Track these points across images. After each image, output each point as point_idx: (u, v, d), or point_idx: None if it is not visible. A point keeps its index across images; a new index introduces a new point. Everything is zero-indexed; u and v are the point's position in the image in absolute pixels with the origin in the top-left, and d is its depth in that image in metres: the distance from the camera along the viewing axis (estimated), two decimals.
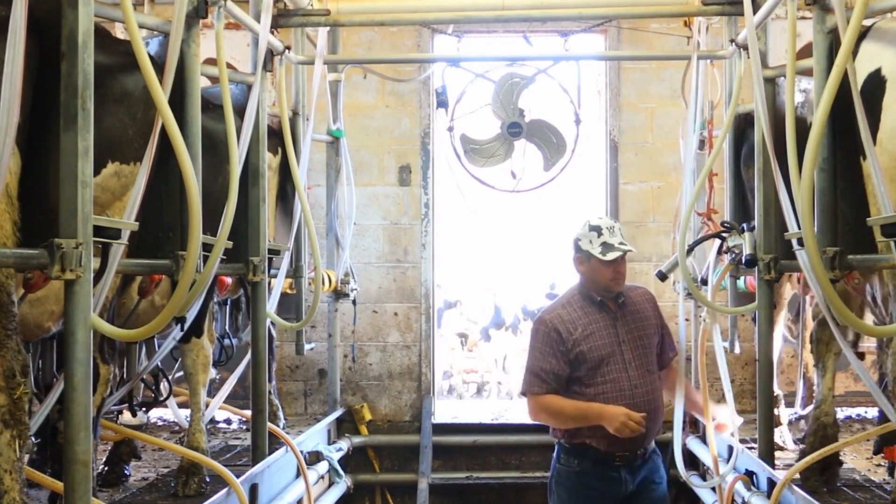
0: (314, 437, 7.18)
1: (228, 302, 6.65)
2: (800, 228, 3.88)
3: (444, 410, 9.01)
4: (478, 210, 9.85)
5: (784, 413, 6.31)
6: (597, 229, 4.53)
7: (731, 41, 5.86)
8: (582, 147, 8.00)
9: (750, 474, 5.36)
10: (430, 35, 8.18)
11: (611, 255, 4.47)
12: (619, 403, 4.39)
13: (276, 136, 6.19)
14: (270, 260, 5.79)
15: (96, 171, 3.64)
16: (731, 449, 5.79)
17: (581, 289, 4.63)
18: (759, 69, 4.82)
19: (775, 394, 5.93)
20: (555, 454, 4.65)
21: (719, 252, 5.74)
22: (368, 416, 8.33)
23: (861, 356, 5.49)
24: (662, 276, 6.16)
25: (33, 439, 3.84)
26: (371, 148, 8.41)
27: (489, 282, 12.48)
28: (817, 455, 4.82)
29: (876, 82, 3.66)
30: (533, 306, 12.08)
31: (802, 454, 5.09)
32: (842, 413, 7.86)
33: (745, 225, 5.34)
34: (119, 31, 5.64)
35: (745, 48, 5.42)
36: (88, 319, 3.19)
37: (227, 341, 6.52)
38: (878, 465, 5.67)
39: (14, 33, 2.86)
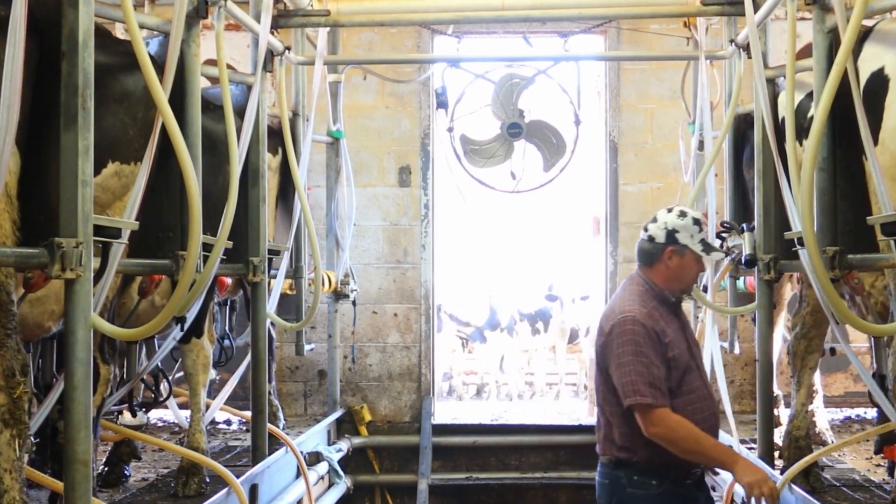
0: (314, 437, 7.18)
1: (228, 302, 6.64)
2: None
3: (444, 411, 9.02)
4: (476, 211, 9.87)
5: (784, 413, 6.31)
6: (698, 223, 4.06)
7: (731, 41, 5.86)
8: (582, 148, 8.01)
9: None
10: (430, 36, 8.19)
11: (715, 256, 4.11)
12: (705, 413, 4.00)
13: (276, 136, 6.19)
14: (270, 260, 5.79)
15: (97, 171, 3.64)
16: None
17: (653, 287, 4.08)
18: (760, 69, 4.82)
19: (775, 394, 5.94)
20: (621, 475, 4.01)
21: None
22: (368, 417, 8.33)
23: (832, 352, 5.55)
24: None
25: (32, 439, 3.83)
26: (371, 149, 8.41)
27: (485, 283, 12.47)
28: (815, 455, 4.85)
29: (879, 82, 3.67)
30: (529, 308, 12.07)
31: (783, 469, 5.16)
32: (841, 414, 7.88)
33: (744, 225, 5.34)
34: (119, 32, 5.64)
35: (745, 48, 5.43)
36: (89, 319, 3.19)
37: (226, 342, 6.51)
38: (878, 465, 5.68)
39: (14, 32, 2.86)
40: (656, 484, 3.97)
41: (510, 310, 12.01)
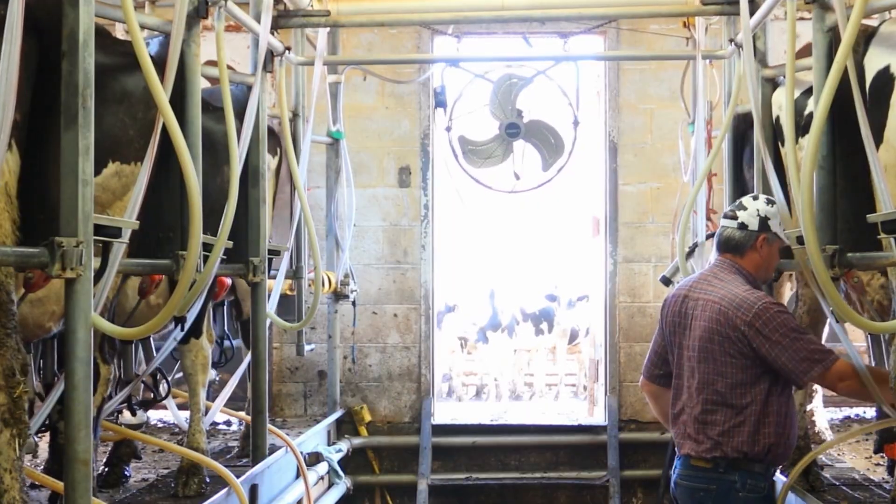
0: (314, 438, 7.19)
1: (226, 303, 6.62)
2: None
3: (444, 412, 9.02)
4: (476, 212, 9.88)
5: None
6: (782, 213, 4.12)
7: (731, 41, 5.86)
8: (581, 148, 8.02)
9: None
10: (430, 36, 8.19)
11: (798, 248, 4.07)
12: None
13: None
14: (270, 260, 5.79)
15: (97, 171, 3.64)
16: None
17: (748, 275, 4.09)
18: (753, 68, 4.81)
19: None
20: (735, 479, 3.94)
21: None
22: (368, 418, 8.33)
23: None
24: (667, 282, 6.17)
25: (35, 438, 3.84)
26: (371, 149, 8.42)
27: (487, 283, 12.48)
28: (812, 455, 4.86)
29: (884, 80, 3.67)
30: (533, 308, 12.07)
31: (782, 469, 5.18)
32: (841, 413, 7.88)
33: None
34: (119, 32, 5.64)
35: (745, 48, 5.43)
36: (89, 318, 3.19)
37: (227, 343, 6.49)
38: (878, 465, 5.69)
39: (11, 29, 2.86)
40: (763, 486, 3.97)
41: (512, 310, 12.01)
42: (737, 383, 3.95)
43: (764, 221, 4.07)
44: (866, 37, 3.86)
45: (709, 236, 5.93)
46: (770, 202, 4.12)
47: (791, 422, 4.03)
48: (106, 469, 5.39)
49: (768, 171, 4.61)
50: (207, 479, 5.13)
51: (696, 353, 4.03)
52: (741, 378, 3.94)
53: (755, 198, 4.17)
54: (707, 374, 4.00)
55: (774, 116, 5.01)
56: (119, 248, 3.57)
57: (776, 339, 3.87)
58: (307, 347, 7.43)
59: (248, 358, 5.97)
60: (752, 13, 5.06)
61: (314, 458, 6.82)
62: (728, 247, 4.13)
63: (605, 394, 8.37)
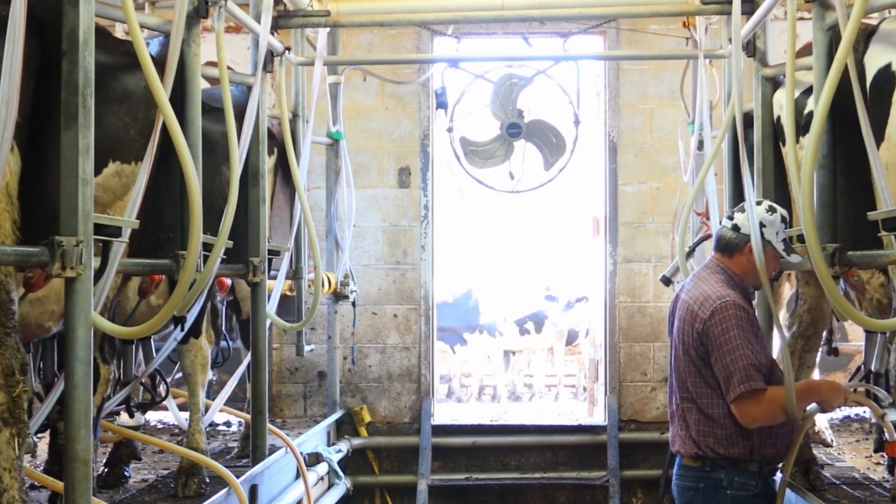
0: (314, 438, 7.18)
1: (225, 302, 6.61)
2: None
3: (444, 412, 9.01)
4: (476, 212, 9.87)
5: None
6: (784, 221, 4.07)
7: (730, 40, 5.85)
8: (581, 148, 8.02)
9: None
10: (430, 37, 8.20)
11: (795, 258, 4.05)
12: None
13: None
14: (270, 261, 5.79)
15: (98, 171, 3.64)
16: None
17: (734, 276, 4.06)
18: (739, 64, 4.80)
19: None
20: (721, 477, 3.94)
21: None
22: (368, 418, 8.33)
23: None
24: (667, 281, 6.17)
25: (35, 438, 3.84)
26: (370, 150, 8.41)
27: (484, 284, 12.48)
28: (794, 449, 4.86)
29: (886, 78, 3.68)
30: (527, 310, 12.05)
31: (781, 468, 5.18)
32: (840, 412, 7.87)
33: None
34: (119, 32, 5.64)
35: (745, 47, 5.44)
36: (89, 317, 3.19)
37: (223, 343, 6.47)
38: (878, 464, 5.69)
39: (13, 28, 2.85)
40: (754, 485, 3.95)
41: (509, 311, 12.00)
42: (701, 384, 3.96)
43: (758, 226, 4.03)
44: (866, 35, 3.87)
45: (705, 237, 5.93)
46: (771, 209, 4.07)
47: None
48: (106, 470, 5.39)
49: (744, 175, 4.60)
50: (207, 480, 5.13)
51: (674, 351, 4.11)
52: (705, 380, 3.95)
53: (759, 202, 4.15)
54: (681, 371, 4.04)
55: (776, 116, 5.01)
56: (119, 247, 3.57)
57: (725, 338, 3.85)
58: (307, 348, 7.42)
59: (247, 358, 5.97)
60: (752, 13, 5.07)
61: (314, 459, 6.82)
62: (719, 246, 4.16)
63: (605, 394, 8.36)
